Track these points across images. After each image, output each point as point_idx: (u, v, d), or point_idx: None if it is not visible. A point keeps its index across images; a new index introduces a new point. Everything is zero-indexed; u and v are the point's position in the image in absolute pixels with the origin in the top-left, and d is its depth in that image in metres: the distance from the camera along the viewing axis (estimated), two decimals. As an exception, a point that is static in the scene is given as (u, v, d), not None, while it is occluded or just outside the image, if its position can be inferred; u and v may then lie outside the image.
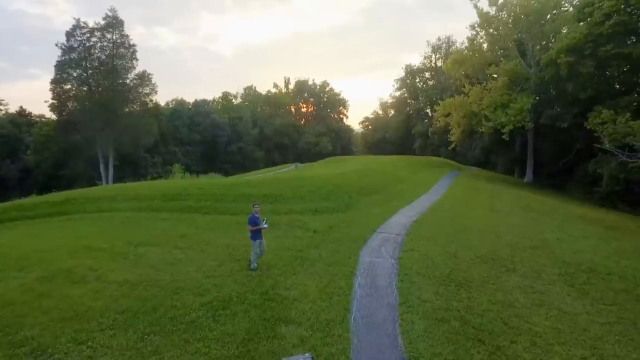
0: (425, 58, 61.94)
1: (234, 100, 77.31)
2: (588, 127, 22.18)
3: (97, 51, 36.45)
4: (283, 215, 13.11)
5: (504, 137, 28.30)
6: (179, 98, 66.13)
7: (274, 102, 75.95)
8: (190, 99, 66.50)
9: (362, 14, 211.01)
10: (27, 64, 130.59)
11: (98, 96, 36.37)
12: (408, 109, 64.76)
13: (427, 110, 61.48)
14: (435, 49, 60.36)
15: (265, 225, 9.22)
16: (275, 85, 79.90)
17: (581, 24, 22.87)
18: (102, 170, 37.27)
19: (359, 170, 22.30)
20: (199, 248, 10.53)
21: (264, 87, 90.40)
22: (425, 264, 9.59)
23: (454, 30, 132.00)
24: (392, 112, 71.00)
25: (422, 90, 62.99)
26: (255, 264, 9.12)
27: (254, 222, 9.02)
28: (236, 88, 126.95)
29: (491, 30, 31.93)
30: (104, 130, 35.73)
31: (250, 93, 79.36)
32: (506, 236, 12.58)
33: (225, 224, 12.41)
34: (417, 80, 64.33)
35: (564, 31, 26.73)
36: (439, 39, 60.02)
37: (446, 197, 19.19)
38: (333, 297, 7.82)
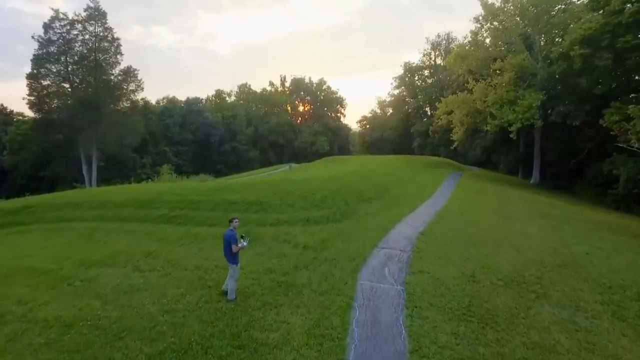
0: (424, 55, 60.22)
1: (227, 99, 75.23)
2: (605, 125, 20.50)
3: (78, 45, 34.37)
4: (268, 226, 11.31)
5: (511, 135, 26.63)
6: (170, 96, 64.00)
7: (270, 100, 73.95)
8: (183, 97, 64.39)
9: (360, 13, 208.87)
10: (24, 63, 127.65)
11: (80, 93, 34.19)
12: (407, 107, 63.06)
13: (427, 109, 59.82)
14: (435, 46, 58.64)
15: (246, 244, 7.46)
16: (271, 84, 77.98)
17: (596, 13, 21.17)
18: (84, 171, 35.19)
19: (357, 171, 20.52)
20: (163, 270, 8.72)
21: (260, 86, 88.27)
22: (439, 292, 7.84)
23: (451, 29, 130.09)
24: (391, 110, 69.28)
25: (421, 89, 61.19)
26: (235, 295, 7.36)
27: (236, 241, 7.26)
28: (231, 86, 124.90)
29: (495, 24, 30.26)
30: (85, 129, 33.61)
31: (244, 91, 77.27)
32: (527, 250, 10.85)
33: (200, 237, 10.60)
34: (416, 78, 62.59)
35: (574, 23, 25.04)
36: (438, 36, 58.21)
37: (452, 201, 17.45)
38: (324, 342, 6.05)
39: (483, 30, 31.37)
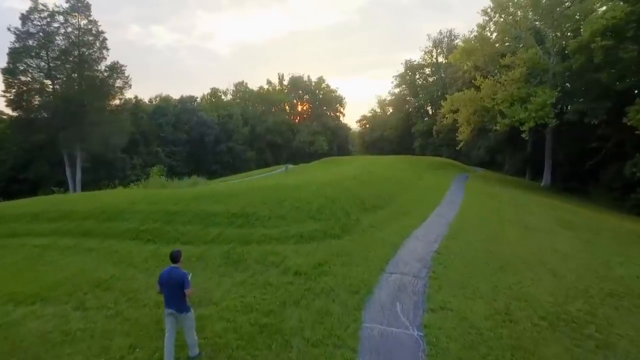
0: (425, 53, 58.43)
1: (223, 97, 73.19)
2: (629, 123, 18.73)
3: (59, 38, 32.32)
4: (254, 244, 9.43)
5: (523, 135, 24.87)
6: (163, 94, 61.94)
7: (267, 99, 71.96)
8: (177, 95, 62.33)
9: (359, 13, 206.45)
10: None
11: (63, 90, 32.14)
12: (407, 106, 61.30)
13: (428, 108, 58.11)
14: (437, 43, 56.88)
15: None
16: (269, 82, 76.01)
17: (619, 2, 19.37)
18: (68, 173, 33.15)
19: (358, 175, 18.64)
20: (115, 308, 6.84)
21: (258, 85, 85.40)
22: (469, 339, 5.97)
23: (452, 28, 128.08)
24: (391, 110, 67.49)
25: (422, 87, 59.46)
26: (197, 349, 5.50)
27: (189, 282, 5.41)
28: (227, 85, 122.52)
29: (504, 16, 28.45)
30: (67, 128, 31.56)
31: (241, 89, 75.23)
32: (565, 274, 9.02)
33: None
34: (417, 77, 60.79)
35: (589, 15, 23.24)
36: (440, 33, 56.48)
37: (465, 209, 15.59)
38: None
39: (491, 23, 29.55)
